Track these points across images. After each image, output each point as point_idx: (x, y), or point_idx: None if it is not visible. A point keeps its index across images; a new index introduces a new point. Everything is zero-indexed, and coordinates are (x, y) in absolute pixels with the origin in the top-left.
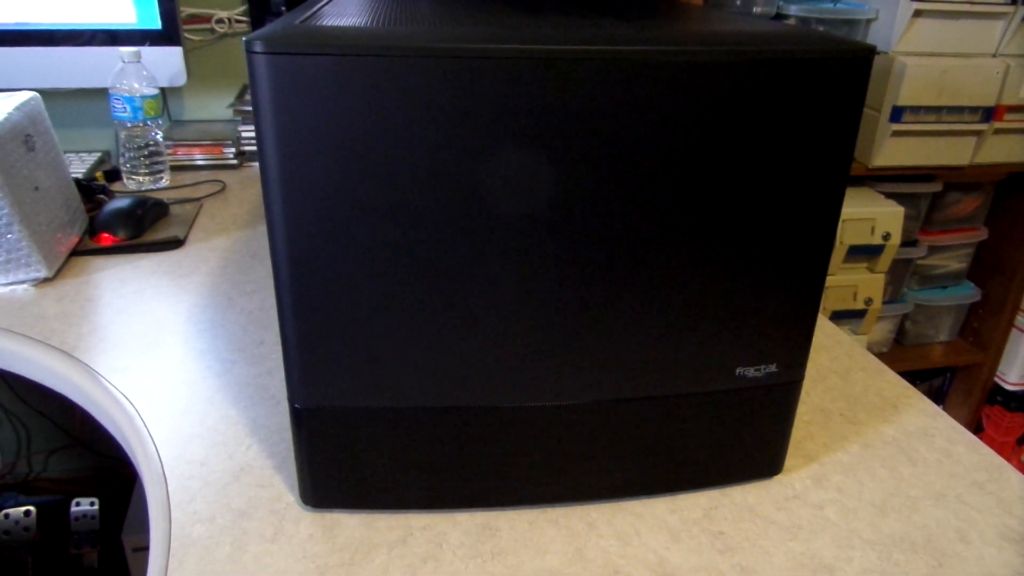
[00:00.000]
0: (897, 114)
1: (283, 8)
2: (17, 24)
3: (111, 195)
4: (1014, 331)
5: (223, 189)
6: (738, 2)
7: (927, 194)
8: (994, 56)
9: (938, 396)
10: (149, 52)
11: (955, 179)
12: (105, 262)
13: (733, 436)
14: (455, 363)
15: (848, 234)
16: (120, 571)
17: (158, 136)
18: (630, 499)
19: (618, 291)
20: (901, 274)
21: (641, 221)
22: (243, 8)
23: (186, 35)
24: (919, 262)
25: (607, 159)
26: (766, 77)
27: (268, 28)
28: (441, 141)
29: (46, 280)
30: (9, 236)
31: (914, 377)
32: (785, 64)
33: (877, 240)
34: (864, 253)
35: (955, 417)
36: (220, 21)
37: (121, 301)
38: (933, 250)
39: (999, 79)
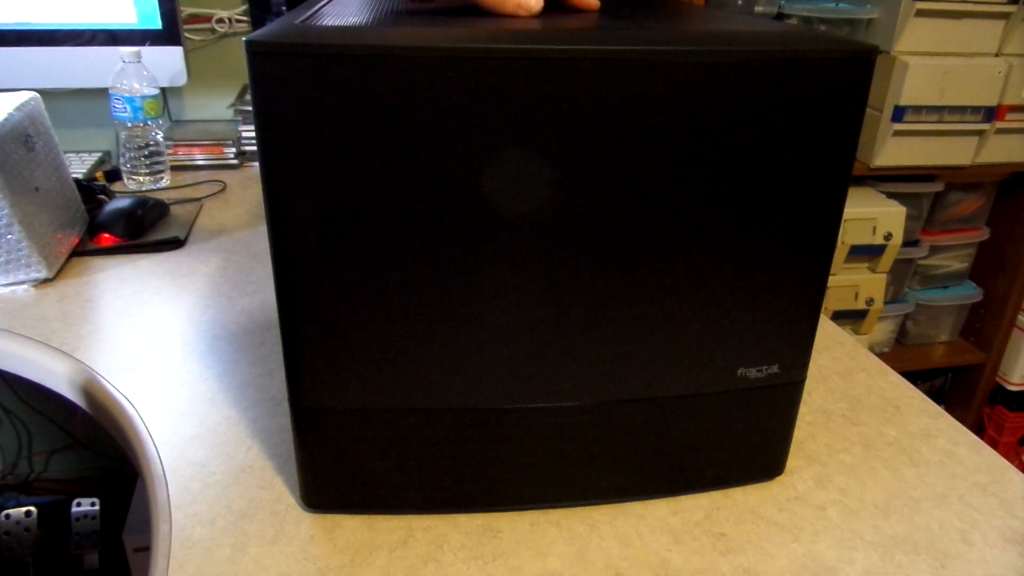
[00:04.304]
0: (899, 114)
1: (283, 8)
2: (17, 24)
3: (111, 195)
4: (1016, 331)
5: (224, 189)
6: (739, 2)
7: (929, 194)
8: (996, 56)
9: (939, 396)
10: (149, 52)
11: (957, 179)
12: (105, 262)
13: (735, 437)
14: (456, 364)
15: (850, 234)
16: (121, 572)
17: (158, 136)
18: (632, 500)
19: (619, 292)
20: (903, 274)
21: (643, 221)
22: (243, 8)
23: (186, 35)
24: (921, 262)
25: (608, 160)
26: (768, 77)
27: (268, 28)
28: (442, 141)
29: (46, 281)
30: (9, 237)
31: (915, 377)
32: (787, 64)
33: (879, 240)
34: (866, 253)
35: (956, 417)
36: (220, 21)
37: (121, 302)
38: (935, 250)
39: (1001, 79)
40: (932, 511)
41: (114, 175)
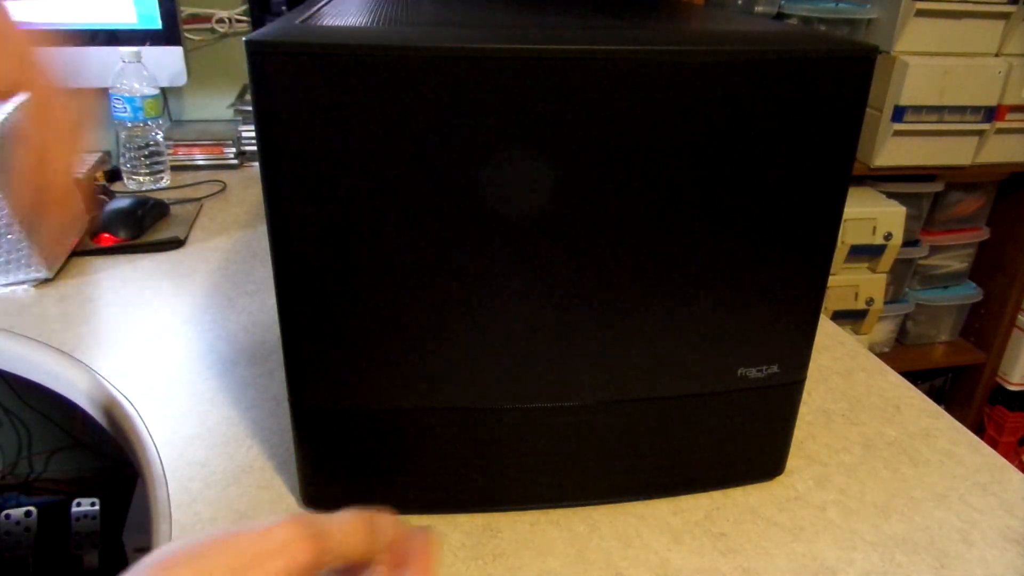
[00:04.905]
0: (899, 114)
1: (283, 8)
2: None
3: (111, 195)
4: (1016, 331)
5: (223, 189)
6: (739, 2)
7: (929, 194)
8: (996, 56)
9: (939, 396)
10: (149, 52)
11: (957, 179)
12: (105, 262)
13: (735, 437)
14: (457, 364)
15: (850, 234)
16: (121, 572)
17: (158, 136)
18: (632, 500)
19: (619, 292)
20: (903, 274)
21: (643, 221)
22: (243, 8)
23: (186, 35)
24: (921, 262)
25: (608, 160)
26: (768, 77)
27: (268, 28)
28: (442, 141)
29: (46, 281)
30: (9, 237)
31: (915, 377)
32: (787, 64)
33: (879, 240)
34: (866, 253)
35: (956, 417)
36: (220, 21)
37: (121, 302)
38: (935, 250)
39: (1001, 79)
40: (932, 511)
41: (114, 175)
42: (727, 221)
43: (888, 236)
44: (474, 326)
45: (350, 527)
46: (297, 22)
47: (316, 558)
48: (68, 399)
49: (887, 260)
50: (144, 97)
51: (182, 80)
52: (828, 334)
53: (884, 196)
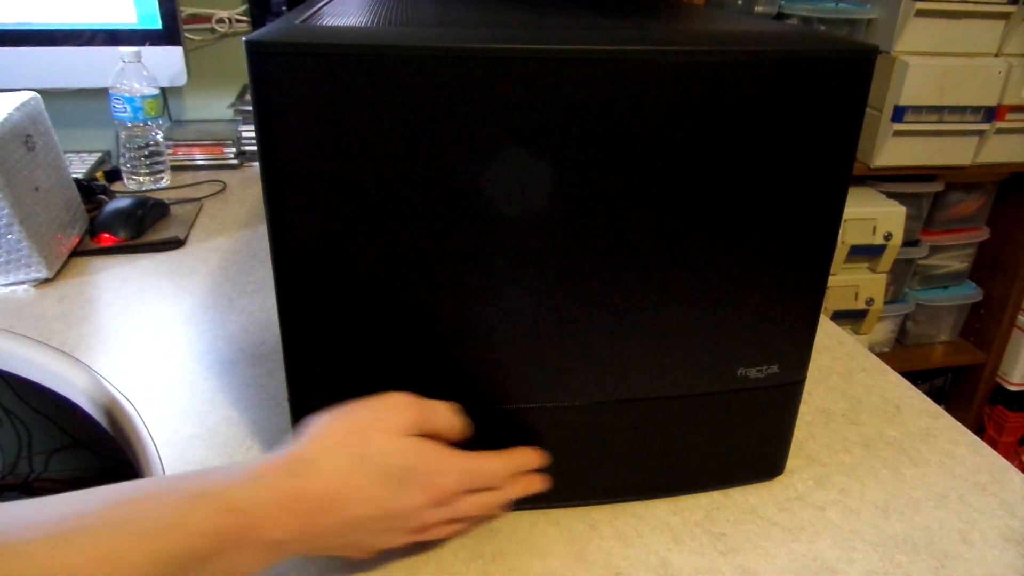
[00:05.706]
0: (899, 114)
1: (283, 8)
2: (17, 24)
3: (111, 195)
4: (1016, 331)
5: (223, 189)
6: (740, 2)
7: (929, 194)
8: (996, 56)
9: (939, 396)
10: (149, 52)
11: (957, 179)
12: (105, 262)
13: (735, 437)
14: (456, 365)
15: (850, 234)
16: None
17: (158, 136)
18: (632, 500)
19: (619, 292)
20: (903, 274)
21: (643, 221)
22: (243, 8)
23: (186, 35)
24: (921, 262)
25: (608, 160)
26: (768, 77)
27: (268, 28)
28: (441, 141)
29: (46, 280)
30: (9, 236)
31: (915, 377)
32: (787, 64)
33: (879, 240)
34: (866, 253)
35: (957, 417)
36: (220, 21)
37: (121, 302)
38: (935, 250)
39: (1001, 79)
40: (932, 511)
41: (114, 175)
42: (727, 221)
43: (888, 236)
44: (474, 327)
45: (448, 409)
46: (297, 22)
47: (420, 420)
48: (68, 399)
49: (887, 260)
50: (144, 97)
51: (182, 80)
52: (828, 334)
53: (884, 196)
